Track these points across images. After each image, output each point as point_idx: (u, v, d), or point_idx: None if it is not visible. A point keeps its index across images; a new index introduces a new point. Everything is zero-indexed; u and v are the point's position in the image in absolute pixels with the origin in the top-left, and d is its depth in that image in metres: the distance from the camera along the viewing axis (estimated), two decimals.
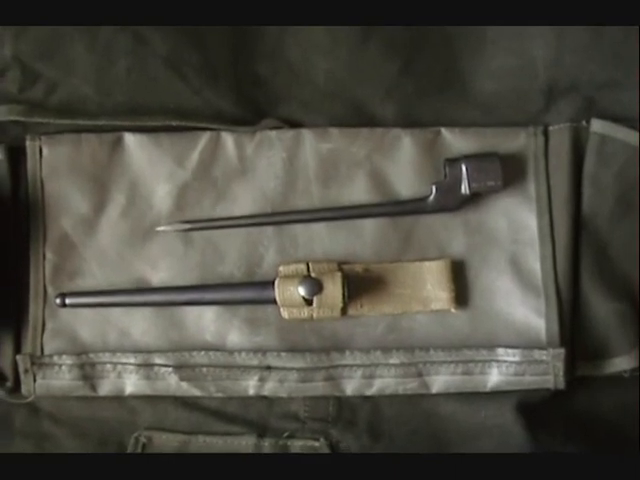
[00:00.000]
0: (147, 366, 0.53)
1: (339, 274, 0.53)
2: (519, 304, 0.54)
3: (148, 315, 0.54)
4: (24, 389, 0.53)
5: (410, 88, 0.56)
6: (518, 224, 0.55)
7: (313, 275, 0.53)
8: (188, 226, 0.54)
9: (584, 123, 0.55)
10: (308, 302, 0.52)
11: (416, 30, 0.55)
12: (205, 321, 0.54)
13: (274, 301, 0.53)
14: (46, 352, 0.54)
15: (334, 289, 0.52)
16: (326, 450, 0.54)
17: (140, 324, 0.54)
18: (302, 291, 0.52)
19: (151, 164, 0.55)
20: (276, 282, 0.53)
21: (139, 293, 0.54)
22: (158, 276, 0.54)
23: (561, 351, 0.53)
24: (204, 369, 0.53)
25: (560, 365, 0.53)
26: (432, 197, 0.54)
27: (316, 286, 0.52)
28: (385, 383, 0.53)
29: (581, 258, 0.54)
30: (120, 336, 0.54)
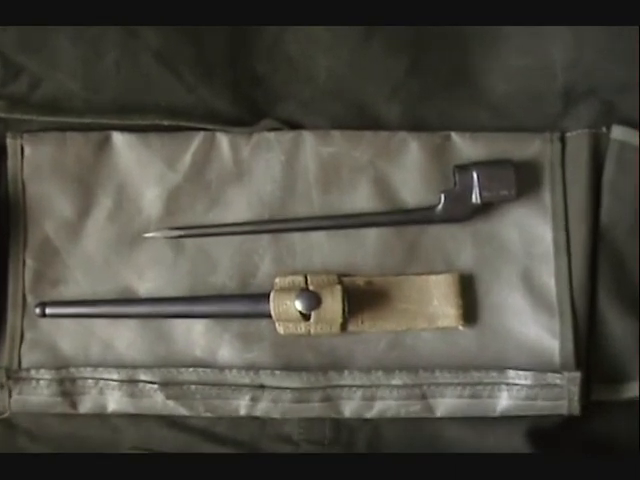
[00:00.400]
0: (131, 382, 0.50)
1: (339, 287, 0.50)
2: (531, 322, 0.51)
3: (134, 327, 0.51)
4: None
5: (417, 87, 0.53)
6: (532, 236, 0.52)
7: (311, 288, 0.50)
8: (179, 233, 0.51)
9: (604, 129, 0.52)
10: (305, 317, 0.49)
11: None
12: (194, 335, 0.51)
13: (269, 315, 0.50)
14: (24, 365, 0.51)
15: (333, 303, 0.49)
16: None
17: (125, 337, 0.51)
18: (299, 305, 0.49)
19: (140, 166, 0.52)
20: (271, 295, 0.50)
21: (125, 304, 0.51)
22: (145, 286, 0.51)
23: (577, 375, 0.50)
24: (192, 387, 0.50)
25: (575, 390, 0.50)
26: (440, 206, 0.51)
27: (314, 300, 0.49)
28: (386, 405, 0.50)
29: (598, 273, 0.52)
30: (103, 349, 0.51)
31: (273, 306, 0.49)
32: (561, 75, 0.53)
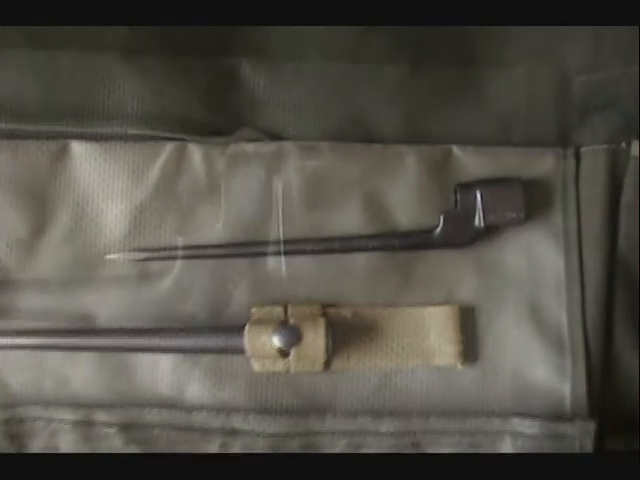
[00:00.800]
0: (87, 424, 0.45)
1: (322, 321, 0.45)
2: (539, 362, 0.47)
3: (92, 361, 0.46)
4: None
5: (416, 95, 0.48)
6: (541, 264, 0.47)
7: (291, 321, 0.45)
8: (144, 255, 0.47)
9: (623, 145, 0.48)
10: (284, 353, 0.44)
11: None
12: (160, 371, 0.46)
13: (243, 350, 0.45)
14: None
15: (316, 339, 0.44)
16: None
17: (82, 372, 0.46)
18: (277, 341, 0.44)
19: (102, 179, 0.47)
20: (246, 328, 0.45)
21: (83, 334, 0.46)
22: (106, 314, 0.47)
23: (590, 425, 0.45)
24: (156, 430, 0.45)
25: (589, 441, 0.45)
26: (439, 229, 0.47)
27: (294, 336, 0.44)
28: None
29: (615, 306, 0.47)
30: (57, 386, 0.46)
31: (248, 341, 0.44)
32: (577, 83, 0.48)
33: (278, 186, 0.47)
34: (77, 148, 0.47)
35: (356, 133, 0.48)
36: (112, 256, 0.47)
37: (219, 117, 0.48)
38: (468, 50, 0.48)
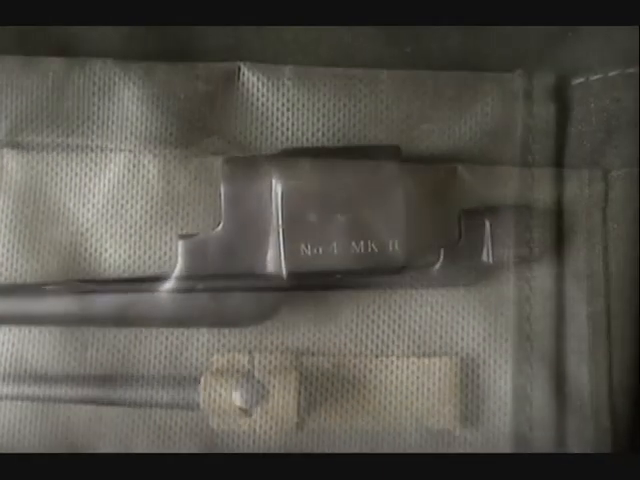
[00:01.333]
0: None
1: (294, 375, 0.38)
2: (555, 430, 0.41)
3: (23, 413, 0.41)
4: None
5: (415, 104, 0.42)
6: (559, 311, 0.41)
7: (257, 373, 0.39)
8: (89, 286, 0.41)
9: None
10: (246, 412, 0.38)
11: None
12: (101, 426, 0.40)
13: (198, 406, 0.39)
14: None
15: (285, 396, 0.38)
16: None
17: (11, 425, 0.41)
18: (237, 398, 0.38)
19: (41, 197, 0.41)
20: (202, 381, 0.38)
21: (13, 381, 0.40)
22: (40, 357, 0.41)
23: None
24: None
25: None
26: (439, 265, 0.41)
27: (257, 393, 0.38)
28: None
29: None
30: None
31: (203, 395, 0.38)
32: (601, 95, 0.42)
33: (249, 208, 0.40)
34: (10, 159, 0.41)
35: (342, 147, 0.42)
36: (51, 287, 0.40)
37: (180, 126, 0.41)
38: (470, 56, 0.42)
